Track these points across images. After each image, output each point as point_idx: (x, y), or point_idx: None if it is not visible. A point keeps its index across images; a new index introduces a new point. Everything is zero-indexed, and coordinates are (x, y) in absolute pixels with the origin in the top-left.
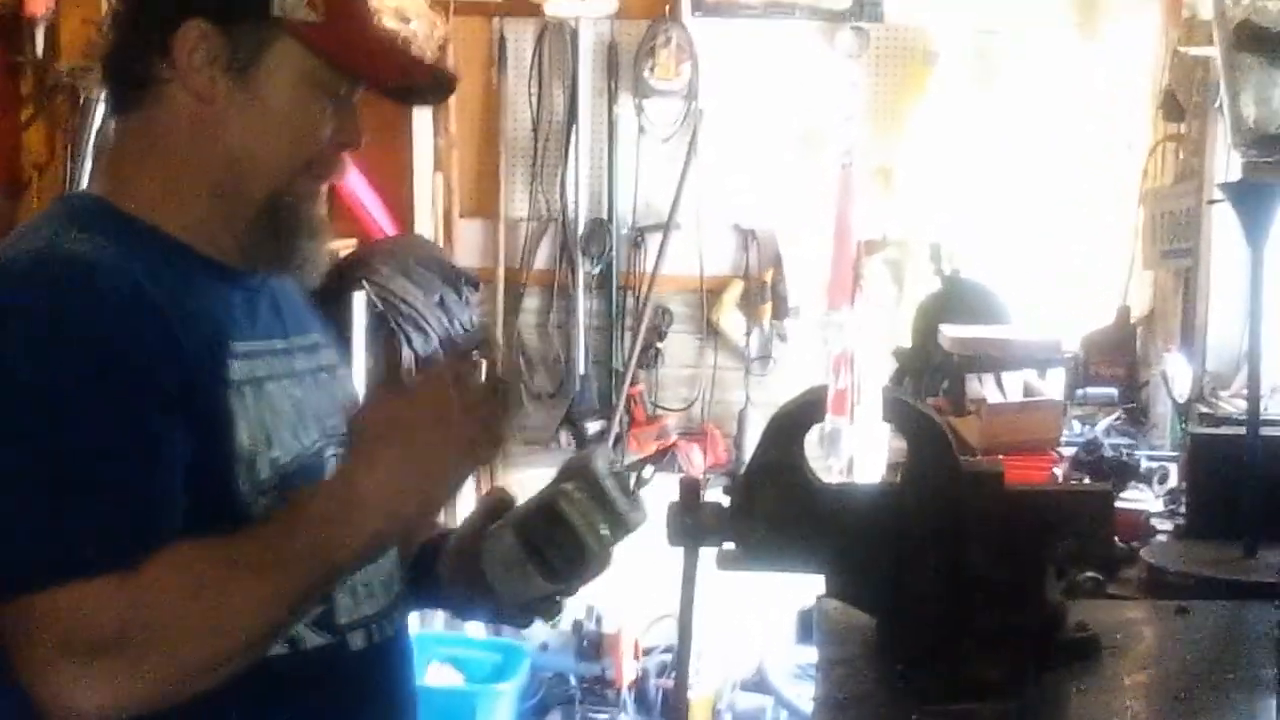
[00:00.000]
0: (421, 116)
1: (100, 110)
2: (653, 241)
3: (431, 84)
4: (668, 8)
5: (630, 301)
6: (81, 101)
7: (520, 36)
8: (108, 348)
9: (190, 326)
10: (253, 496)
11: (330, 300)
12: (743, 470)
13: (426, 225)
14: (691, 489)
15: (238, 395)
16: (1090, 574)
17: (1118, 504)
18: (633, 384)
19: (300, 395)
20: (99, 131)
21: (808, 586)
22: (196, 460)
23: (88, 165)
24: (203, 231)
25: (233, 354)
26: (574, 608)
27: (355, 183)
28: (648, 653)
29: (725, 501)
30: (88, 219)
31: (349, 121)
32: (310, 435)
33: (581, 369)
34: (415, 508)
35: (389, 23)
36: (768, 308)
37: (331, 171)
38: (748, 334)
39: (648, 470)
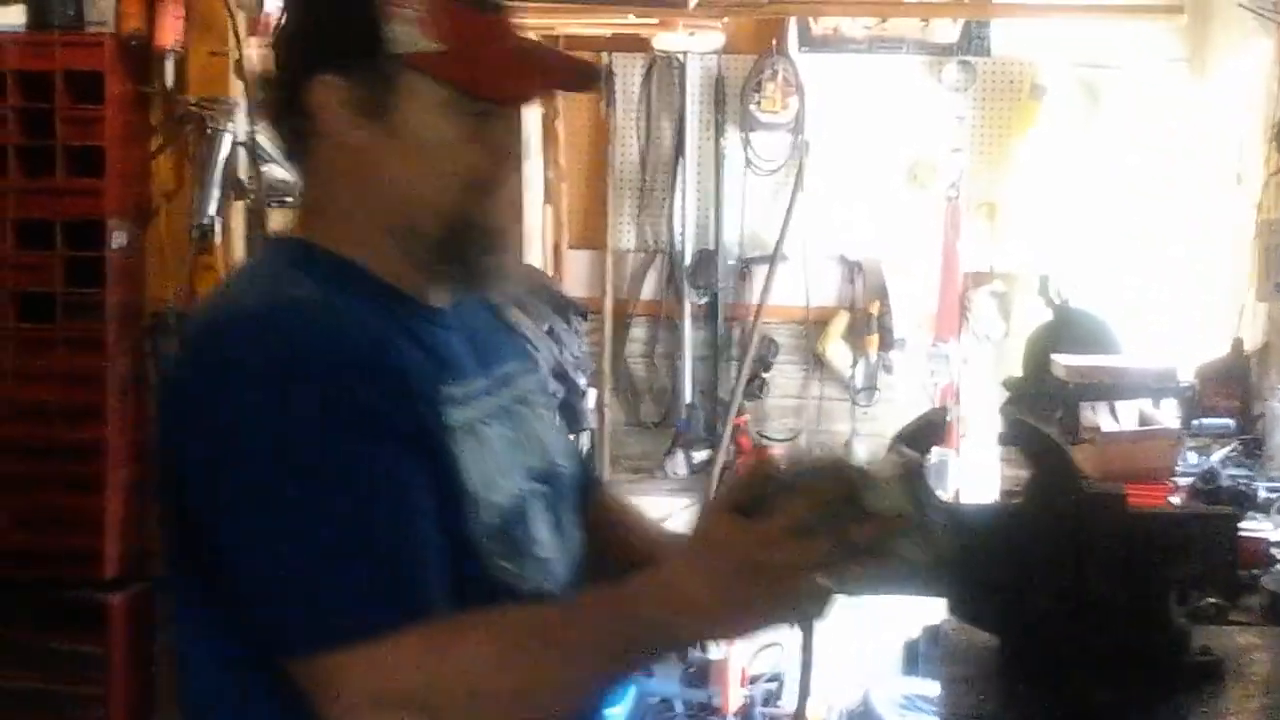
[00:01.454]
0: (532, 152)
1: (227, 140)
2: (759, 273)
3: (573, 82)
4: (775, 42)
5: (736, 332)
6: (209, 132)
7: (629, 71)
8: (354, 398)
9: (416, 372)
10: (483, 543)
11: None
12: None
13: (536, 256)
14: None
15: (460, 440)
16: (1212, 599)
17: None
18: (739, 414)
19: (509, 435)
20: (226, 162)
21: (914, 617)
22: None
23: (215, 194)
24: (396, 270)
25: (450, 399)
26: None
27: None
28: (754, 680)
29: None
30: (305, 262)
31: (500, 131)
32: (518, 477)
33: (688, 398)
34: (723, 631)
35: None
36: (874, 339)
37: (498, 182)
38: (853, 365)
39: None
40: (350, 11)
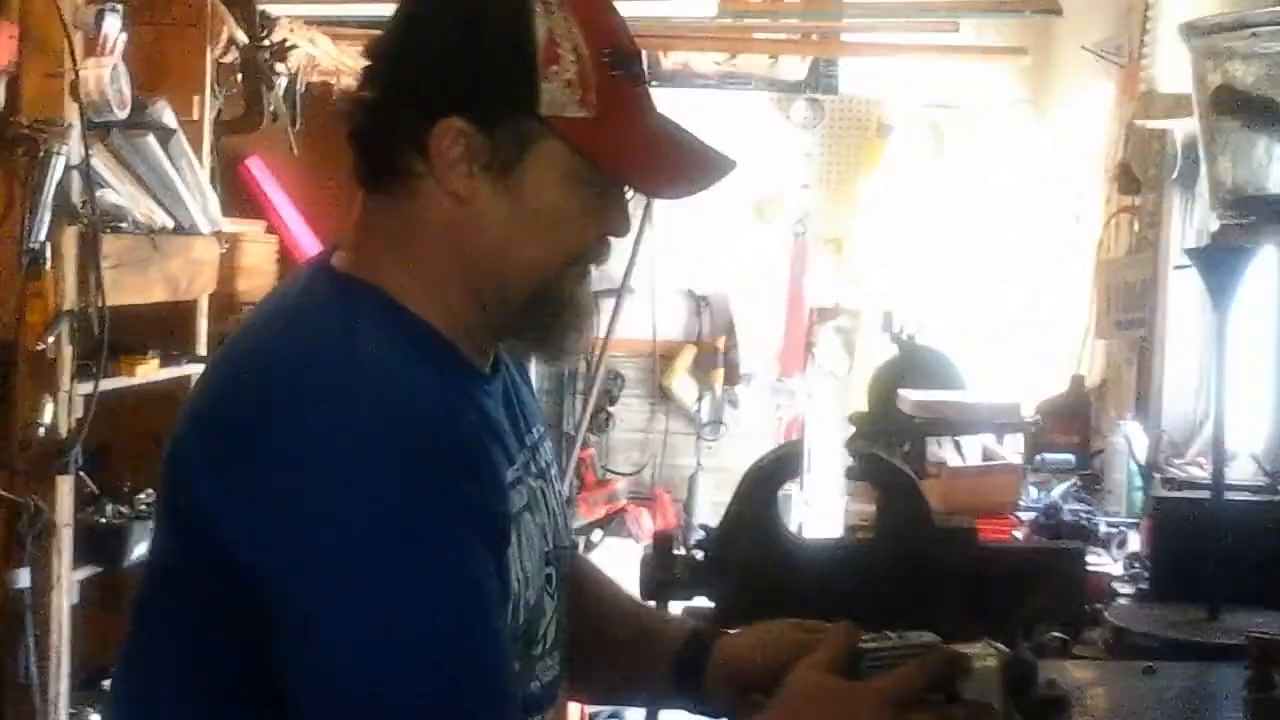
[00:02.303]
0: None
1: (60, 163)
2: (605, 306)
3: (712, 175)
4: None
5: (581, 366)
6: (41, 155)
7: None
8: (451, 485)
9: (491, 459)
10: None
11: None
12: (716, 524)
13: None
14: (665, 541)
15: (515, 529)
16: (1056, 634)
17: None
18: (583, 447)
19: (540, 521)
20: (59, 185)
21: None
22: None
23: (46, 218)
24: (464, 333)
25: (508, 484)
26: None
27: (309, 243)
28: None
29: (698, 555)
30: (373, 309)
31: (616, 210)
32: (541, 564)
33: None
34: None
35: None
36: (719, 373)
37: (599, 260)
38: (699, 399)
39: (596, 534)
40: (505, 60)
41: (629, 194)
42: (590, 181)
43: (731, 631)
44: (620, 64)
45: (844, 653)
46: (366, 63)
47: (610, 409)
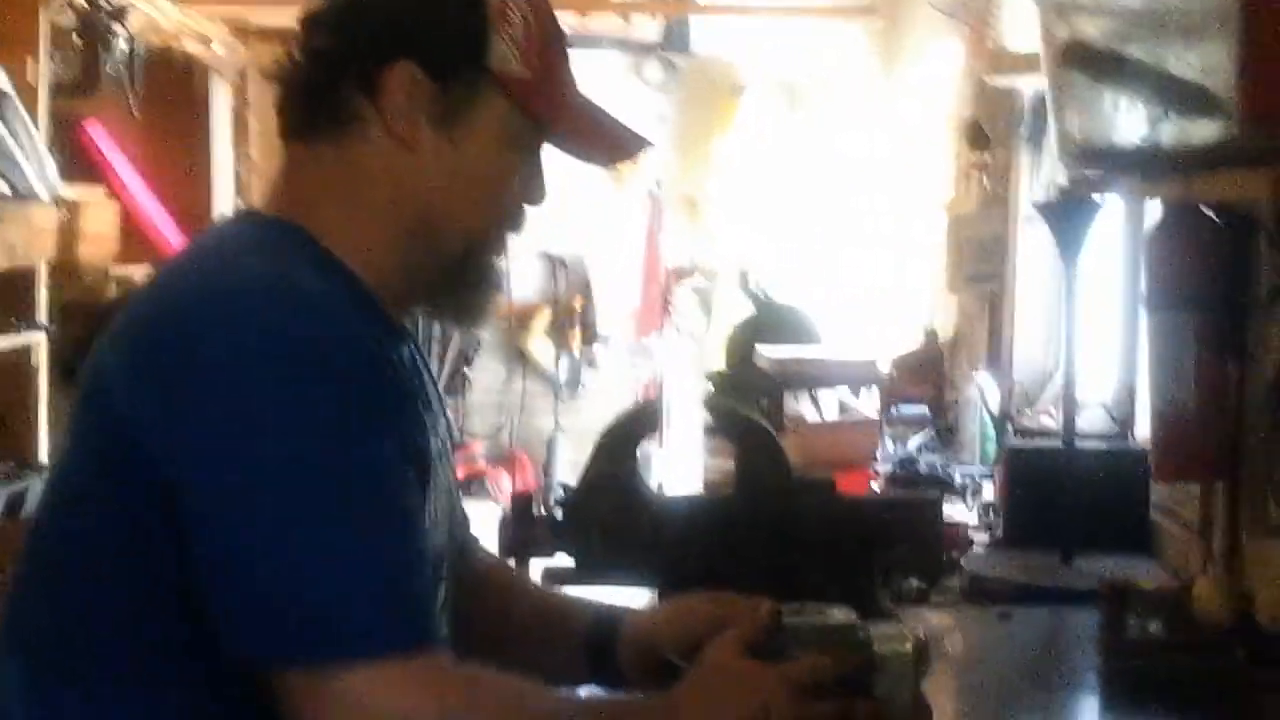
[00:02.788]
0: (222, 144)
1: None
2: None
3: (626, 150)
4: None
5: (436, 328)
6: None
7: None
8: (375, 401)
9: (411, 394)
10: None
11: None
12: (575, 483)
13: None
14: (523, 502)
15: (433, 472)
16: (915, 582)
17: None
18: None
19: (447, 481)
20: None
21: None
22: None
23: None
24: (386, 281)
25: (429, 426)
26: None
27: (152, 208)
28: None
29: (558, 514)
30: (294, 250)
31: (537, 177)
32: (444, 527)
33: None
34: None
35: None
36: (577, 334)
37: (517, 225)
38: (557, 361)
39: None
40: (461, 11)
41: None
42: (524, 144)
43: (640, 608)
44: (555, 37)
45: (760, 634)
46: (309, 13)
47: (467, 371)
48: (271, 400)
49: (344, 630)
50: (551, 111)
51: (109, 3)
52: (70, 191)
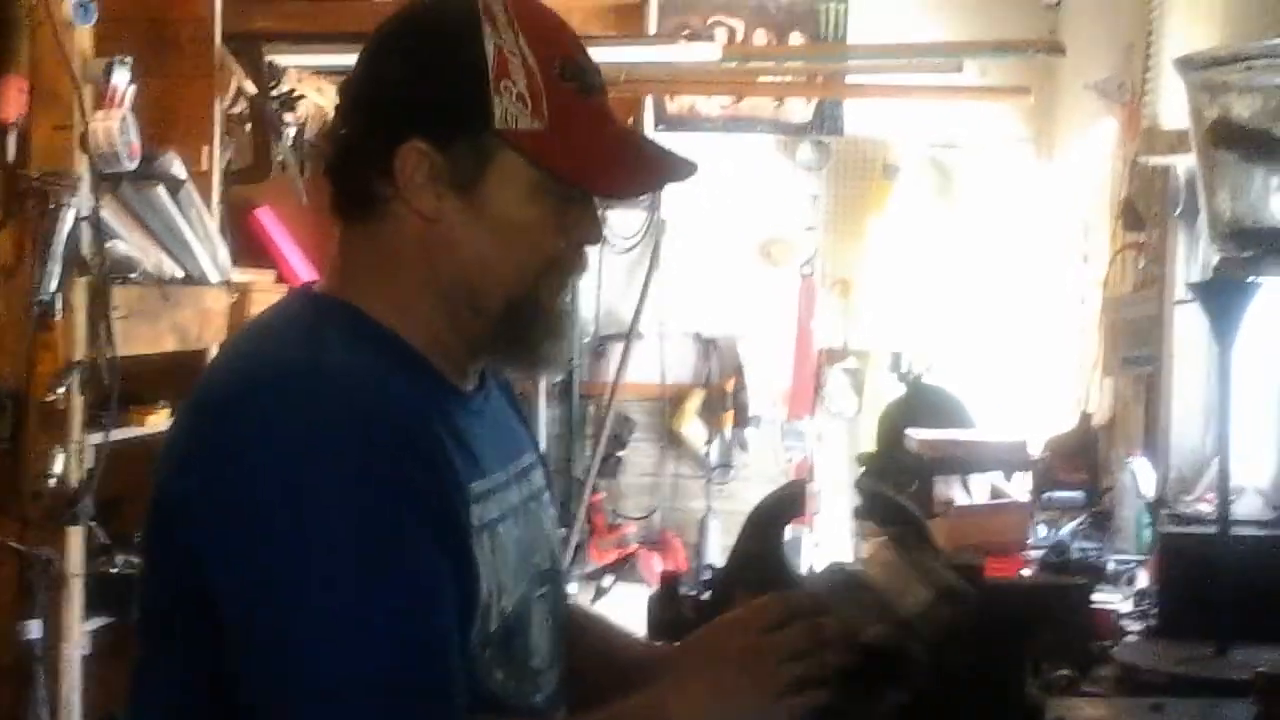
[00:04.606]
0: None
1: (70, 215)
2: (614, 350)
3: (671, 176)
4: (630, 120)
5: (591, 409)
6: (51, 207)
7: None
8: (403, 484)
9: (452, 465)
10: (480, 650)
11: None
12: (722, 564)
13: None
14: (671, 583)
15: (479, 541)
16: (1065, 671)
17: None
18: (594, 492)
19: (519, 535)
20: (69, 237)
21: None
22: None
23: (56, 270)
24: (438, 346)
25: (475, 496)
26: None
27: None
28: None
29: (705, 595)
30: (344, 323)
31: (585, 219)
32: (525, 578)
33: None
34: None
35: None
36: (728, 416)
37: (575, 269)
38: (708, 442)
39: (607, 579)
40: (456, 80)
41: (600, 205)
42: (552, 191)
43: None
44: (571, 75)
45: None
46: (336, 103)
47: (620, 453)
48: (297, 489)
49: (374, 712)
50: (572, 158)
51: (279, 92)
52: (241, 275)
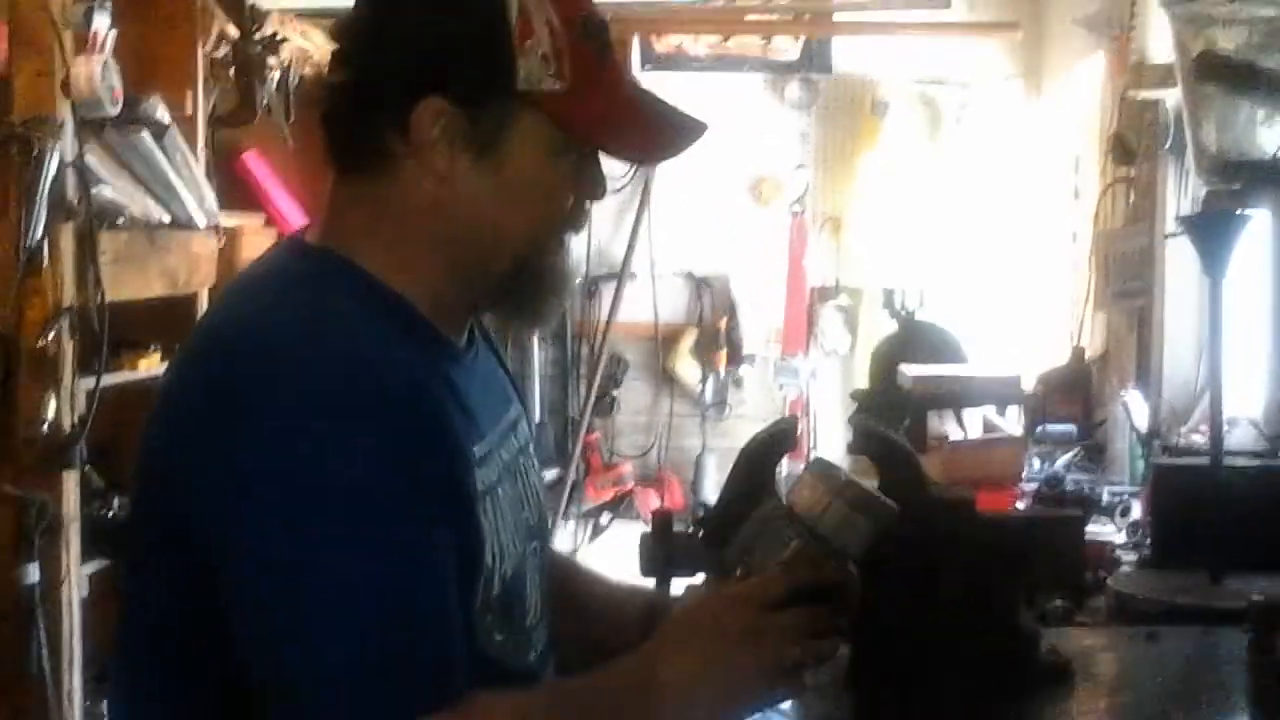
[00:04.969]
0: None
1: (55, 161)
2: (606, 290)
3: (681, 139)
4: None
5: (585, 350)
6: (35, 153)
7: None
8: (406, 452)
9: (454, 430)
10: (482, 614)
11: None
12: (715, 501)
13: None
14: (664, 520)
15: (483, 507)
16: (1060, 601)
17: None
18: (589, 432)
19: (513, 494)
20: (54, 182)
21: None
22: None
23: (42, 216)
24: (438, 304)
25: (477, 460)
26: None
27: (289, 209)
28: None
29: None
30: (344, 281)
31: (591, 174)
32: (521, 538)
33: (537, 417)
34: (706, 714)
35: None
36: (722, 354)
37: (578, 225)
38: (703, 381)
39: (605, 517)
40: (481, 38)
41: (603, 159)
42: (568, 152)
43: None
44: (591, 34)
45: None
46: (335, 46)
47: (614, 393)
48: (299, 453)
49: (362, 694)
50: (592, 119)
51: (263, 36)
52: (229, 220)
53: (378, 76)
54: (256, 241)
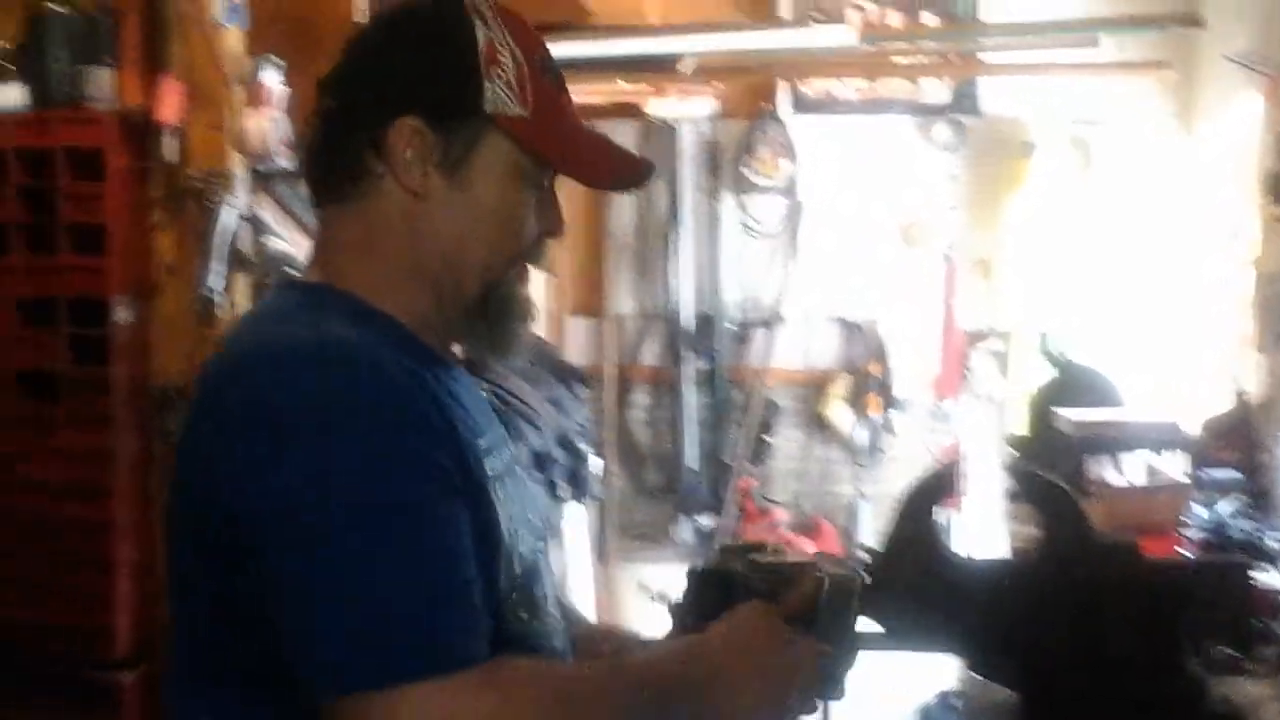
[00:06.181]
0: None
1: (228, 213)
2: (758, 336)
3: (631, 175)
4: (766, 104)
5: (738, 396)
6: (209, 205)
7: (623, 137)
8: (412, 441)
9: (457, 420)
10: (508, 592)
11: None
12: (879, 546)
13: (537, 324)
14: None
15: (494, 490)
16: (1226, 650)
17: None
18: (743, 478)
19: (526, 497)
20: (221, 232)
21: (925, 681)
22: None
23: (218, 267)
24: (423, 325)
25: (482, 451)
26: None
27: None
28: None
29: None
30: (340, 306)
31: (551, 209)
32: (535, 532)
33: (691, 464)
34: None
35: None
36: (874, 400)
37: (537, 258)
38: (855, 427)
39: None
40: (451, 63)
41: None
42: (530, 177)
43: None
44: (548, 69)
45: (803, 599)
46: (319, 80)
47: (767, 439)
48: (320, 453)
49: (389, 657)
50: (553, 145)
51: None
52: None
53: (358, 101)
54: None
